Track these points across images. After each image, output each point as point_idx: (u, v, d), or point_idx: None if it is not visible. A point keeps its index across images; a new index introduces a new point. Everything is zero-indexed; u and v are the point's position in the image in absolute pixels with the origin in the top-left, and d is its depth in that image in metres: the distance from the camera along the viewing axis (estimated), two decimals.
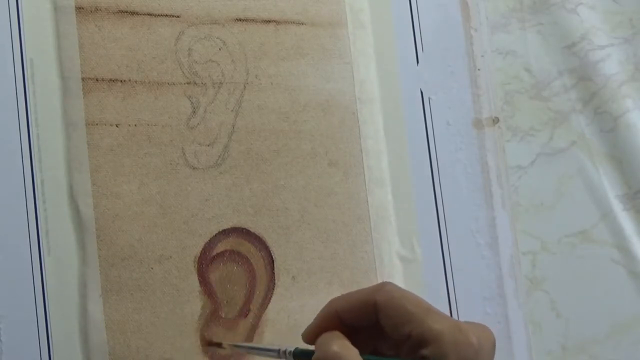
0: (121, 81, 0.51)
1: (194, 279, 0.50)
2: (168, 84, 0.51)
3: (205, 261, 0.51)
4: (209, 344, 0.50)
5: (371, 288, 0.41)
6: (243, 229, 0.52)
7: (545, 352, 0.58)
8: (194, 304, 0.50)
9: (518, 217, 0.58)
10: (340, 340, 0.39)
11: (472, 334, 0.38)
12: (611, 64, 0.61)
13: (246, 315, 0.51)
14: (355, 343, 0.39)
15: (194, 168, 0.51)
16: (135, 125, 0.50)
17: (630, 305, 0.59)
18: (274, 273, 0.52)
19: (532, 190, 0.59)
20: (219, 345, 0.49)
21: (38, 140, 0.49)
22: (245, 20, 0.53)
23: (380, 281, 0.54)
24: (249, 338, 0.51)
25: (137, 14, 0.51)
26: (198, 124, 0.52)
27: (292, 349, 0.41)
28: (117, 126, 0.50)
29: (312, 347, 0.40)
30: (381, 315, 0.39)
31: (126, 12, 0.51)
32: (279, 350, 0.42)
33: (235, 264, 0.51)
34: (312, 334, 0.41)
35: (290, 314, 0.52)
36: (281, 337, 0.51)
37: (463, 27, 0.58)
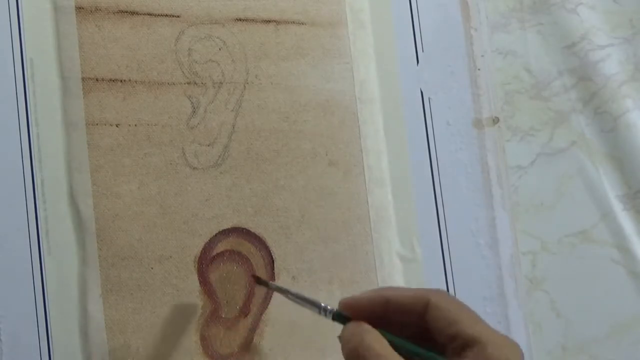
0: (121, 81, 0.51)
1: (194, 279, 0.50)
2: (168, 84, 0.51)
3: (205, 261, 0.51)
4: (257, 281, 0.50)
5: (426, 288, 0.42)
6: (243, 229, 0.52)
7: (545, 352, 0.58)
8: (194, 304, 0.50)
9: (518, 217, 0.58)
10: (373, 332, 0.40)
11: (521, 353, 0.39)
12: (611, 64, 0.61)
13: (246, 315, 0.51)
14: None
15: (194, 168, 0.51)
16: (135, 125, 0.51)
17: (630, 305, 0.59)
18: (274, 273, 0.52)
19: (532, 190, 0.59)
20: (266, 284, 0.49)
21: (38, 140, 0.49)
22: (245, 20, 0.53)
23: (380, 281, 0.54)
24: (249, 338, 0.51)
25: (137, 14, 0.51)
26: (198, 124, 0.52)
27: (334, 310, 0.42)
28: (117, 126, 0.50)
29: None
30: (431, 314, 0.40)
31: (126, 12, 0.51)
32: (321, 306, 0.43)
33: (235, 264, 0.51)
34: (354, 305, 0.41)
35: (290, 314, 0.52)
36: (281, 337, 0.51)
37: (463, 27, 0.58)
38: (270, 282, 0.50)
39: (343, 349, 0.40)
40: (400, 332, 0.40)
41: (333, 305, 0.42)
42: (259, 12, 0.54)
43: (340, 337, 0.41)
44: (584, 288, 0.59)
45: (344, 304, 0.42)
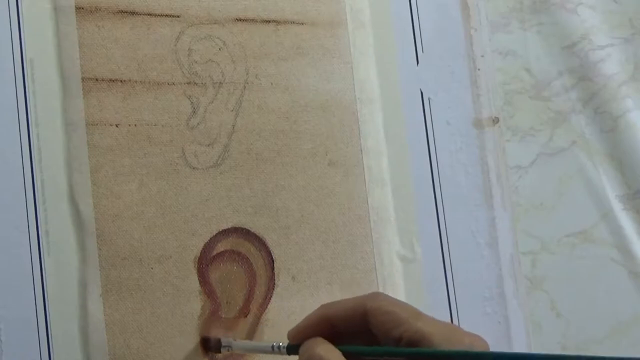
0: (121, 81, 0.51)
1: (194, 279, 0.50)
2: (168, 84, 0.51)
3: (205, 261, 0.51)
4: (205, 346, 0.50)
5: (362, 296, 0.42)
6: (243, 229, 0.52)
7: (545, 352, 0.58)
8: (194, 304, 0.50)
9: (518, 217, 0.58)
10: (324, 344, 0.40)
11: (465, 335, 0.38)
12: (611, 64, 0.61)
13: (246, 315, 0.51)
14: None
15: (194, 168, 0.51)
16: (135, 125, 0.50)
17: (630, 305, 0.59)
18: (274, 273, 0.52)
19: (532, 190, 0.59)
20: (217, 349, 0.50)
21: (38, 140, 0.49)
22: (245, 20, 0.53)
23: (380, 281, 0.54)
24: (249, 338, 0.51)
25: (137, 14, 0.51)
26: (198, 124, 0.52)
27: (285, 345, 0.43)
28: (117, 126, 0.50)
29: None
30: (372, 321, 0.40)
31: (126, 12, 0.51)
32: (272, 345, 0.44)
33: (235, 264, 0.51)
34: (300, 334, 0.42)
35: (290, 314, 0.52)
36: (281, 337, 0.51)
37: (463, 27, 0.58)
38: (222, 340, 0.50)
39: None
40: (359, 343, 0.41)
41: None
42: (259, 12, 0.54)
43: None
44: (584, 288, 0.59)
45: (292, 335, 0.43)
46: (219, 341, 0.49)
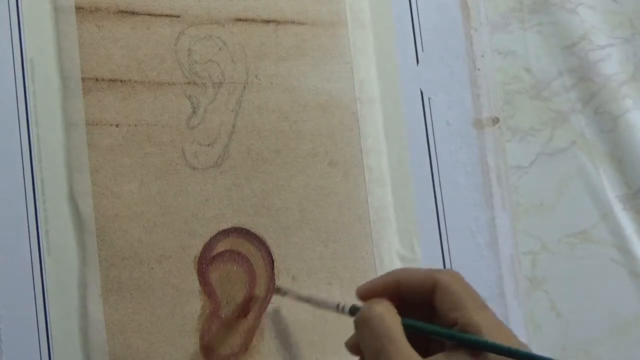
0: (121, 81, 0.51)
1: (194, 279, 0.50)
2: (168, 84, 0.51)
3: (205, 261, 0.51)
4: (277, 291, 0.50)
5: (437, 269, 0.42)
6: (243, 229, 0.52)
7: (545, 352, 0.57)
8: (194, 304, 0.50)
9: (518, 217, 0.58)
10: (387, 305, 0.40)
11: (515, 338, 0.38)
12: (611, 64, 0.61)
13: (246, 315, 0.51)
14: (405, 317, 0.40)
15: (194, 168, 0.51)
16: (135, 125, 0.51)
17: (630, 305, 0.59)
18: (274, 273, 0.52)
19: (532, 190, 0.59)
20: (285, 293, 0.50)
21: (38, 140, 0.49)
22: (245, 20, 0.53)
23: None
24: (249, 338, 0.51)
25: (137, 14, 0.51)
26: (198, 124, 0.52)
27: (350, 306, 0.43)
28: (117, 126, 0.50)
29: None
30: (437, 296, 0.40)
31: (126, 12, 0.51)
32: (337, 305, 0.43)
33: (235, 264, 0.51)
34: (367, 292, 0.42)
35: (290, 314, 0.52)
36: (281, 337, 0.51)
37: (463, 27, 0.58)
38: (290, 289, 0.50)
39: (357, 321, 0.40)
40: (413, 313, 0.41)
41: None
42: (259, 12, 0.54)
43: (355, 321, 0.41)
44: (584, 288, 0.59)
45: (360, 293, 0.42)
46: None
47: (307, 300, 0.48)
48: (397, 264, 0.55)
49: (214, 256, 0.51)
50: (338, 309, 0.43)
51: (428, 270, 0.42)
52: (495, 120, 0.58)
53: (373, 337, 0.39)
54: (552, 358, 0.37)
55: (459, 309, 0.39)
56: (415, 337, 0.39)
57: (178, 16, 0.52)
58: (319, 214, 0.53)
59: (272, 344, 0.51)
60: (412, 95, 0.57)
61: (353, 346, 0.42)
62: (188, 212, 0.51)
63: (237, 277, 0.51)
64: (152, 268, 0.50)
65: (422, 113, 0.57)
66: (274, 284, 0.52)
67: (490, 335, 0.38)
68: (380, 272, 0.54)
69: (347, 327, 0.42)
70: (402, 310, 0.40)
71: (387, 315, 0.39)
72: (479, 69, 0.58)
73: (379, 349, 0.38)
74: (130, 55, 0.51)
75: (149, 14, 0.52)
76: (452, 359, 0.38)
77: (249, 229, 0.52)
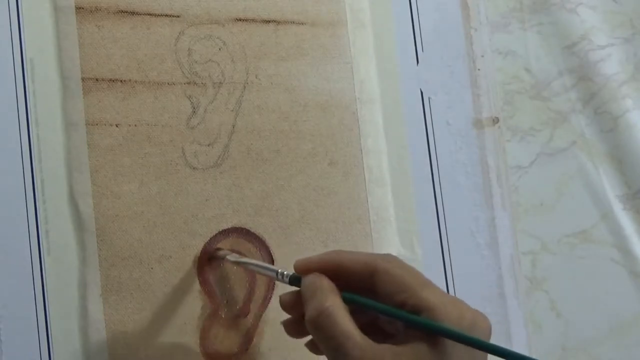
0: (121, 81, 0.51)
1: (194, 279, 0.50)
2: (168, 84, 0.51)
3: (205, 261, 0.51)
4: (212, 255, 0.50)
5: (376, 254, 0.41)
6: (243, 229, 0.52)
7: (545, 352, 0.58)
8: (194, 304, 0.50)
9: (518, 217, 0.58)
10: (327, 280, 0.40)
11: (469, 311, 0.38)
12: (611, 64, 0.61)
13: (246, 315, 0.51)
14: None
15: (194, 168, 0.51)
16: (135, 125, 0.51)
17: (630, 305, 0.59)
18: None
19: (532, 190, 0.59)
20: (218, 252, 0.50)
21: (38, 140, 0.49)
22: (245, 20, 0.53)
23: None
24: (249, 338, 0.51)
25: (137, 14, 0.51)
26: (198, 124, 0.52)
27: (290, 274, 0.43)
28: (117, 126, 0.50)
29: None
30: (378, 281, 0.39)
31: (126, 12, 0.51)
32: (277, 271, 0.44)
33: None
34: (307, 267, 0.42)
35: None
36: (281, 337, 0.51)
37: (463, 27, 0.58)
38: (226, 255, 0.50)
39: (306, 304, 0.40)
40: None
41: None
42: (259, 12, 0.54)
43: (302, 293, 0.41)
44: (584, 288, 0.59)
45: (299, 266, 0.42)
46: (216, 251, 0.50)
47: (248, 264, 0.48)
48: None
49: (214, 256, 0.51)
50: (277, 275, 0.44)
51: (366, 254, 0.41)
52: (495, 120, 0.58)
53: (316, 301, 0.39)
54: (503, 347, 0.37)
55: (404, 290, 0.38)
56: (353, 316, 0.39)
57: (178, 16, 0.52)
58: (319, 214, 0.53)
59: (272, 344, 0.51)
60: (412, 95, 0.57)
61: (288, 303, 0.43)
62: (188, 212, 0.51)
63: (237, 277, 0.51)
64: (152, 268, 0.50)
65: (422, 113, 0.57)
66: (274, 284, 0.52)
67: (444, 310, 0.37)
68: None
69: None
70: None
71: (329, 286, 0.39)
72: (479, 69, 0.58)
73: (322, 312, 0.39)
74: (130, 55, 0.51)
75: (149, 14, 0.52)
76: (409, 347, 0.37)
77: (249, 229, 0.52)
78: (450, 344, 0.37)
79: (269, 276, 0.46)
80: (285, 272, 0.43)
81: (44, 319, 0.48)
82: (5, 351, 0.47)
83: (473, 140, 0.57)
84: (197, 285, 0.50)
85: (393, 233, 0.55)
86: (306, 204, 0.53)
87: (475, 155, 0.57)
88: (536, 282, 0.58)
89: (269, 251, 0.52)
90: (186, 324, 0.50)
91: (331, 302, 0.39)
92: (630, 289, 0.59)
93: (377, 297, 0.40)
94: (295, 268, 0.43)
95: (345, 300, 0.40)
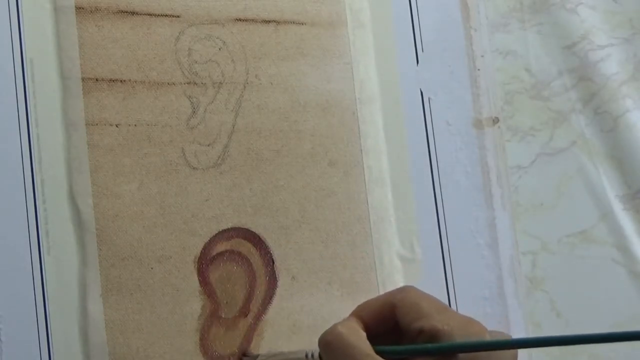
0: (121, 81, 0.51)
1: (194, 279, 0.50)
2: (168, 84, 0.51)
3: (205, 261, 0.51)
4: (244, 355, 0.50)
5: (392, 291, 0.42)
6: (243, 229, 0.52)
7: (545, 352, 0.58)
8: (194, 304, 0.50)
9: (518, 217, 0.58)
10: (348, 322, 0.40)
11: (486, 331, 0.38)
12: (611, 64, 0.61)
13: (246, 315, 0.51)
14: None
15: (194, 168, 0.51)
16: (135, 125, 0.51)
17: (630, 305, 0.59)
18: (274, 273, 0.52)
19: (532, 190, 0.59)
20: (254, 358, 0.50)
21: (38, 140, 0.49)
22: (245, 20, 0.53)
23: (380, 281, 0.54)
24: (249, 338, 0.51)
25: (137, 14, 0.51)
26: (198, 124, 0.52)
27: (318, 351, 0.43)
28: (117, 126, 0.50)
29: None
30: (398, 314, 0.40)
31: (126, 12, 0.51)
32: (306, 354, 0.44)
33: (235, 264, 0.51)
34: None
35: (290, 314, 0.52)
36: (281, 337, 0.51)
37: (463, 27, 0.58)
38: (258, 354, 0.50)
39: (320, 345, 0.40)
40: (392, 341, 0.40)
41: None
42: (259, 12, 0.54)
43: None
44: (584, 288, 0.59)
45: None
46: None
47: (277, 356, 0.49)
48: (397, 264, 0.55)
49: (214, 256, 0.51)
50: (307, 357, 0.44)
51: (384, 295, 0.42)
52: (495, 120, 0.58)
53: (337, 353, 0.39)
54: (514, 338, 0.37)
55: (421, 317, 0.39)
56: None
57: (178, 16, 0.52)
58: (319, 214, 0.53)
59: (272, 344, 0.51)
60: (412, 95, 0.57)
61: None
62: (188, 212, 0.51)
63: (237, 277, 0.51)
64: (152, 268, 0.50)
65: (422, 113, 0.57)
66: (274, 284, 0.52)
67: (461, 331, 0.38)
68: (380, 272, 0.54)
69: None
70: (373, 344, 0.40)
71: (348, 330, 0.40)
72: (479, 69, 0.58)
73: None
74: (130, 55, 0.51)
75: (149, 14, 0.52)
76: None
77: (249, 229, 0.52)
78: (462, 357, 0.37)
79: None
80: (313, 352, 0.43)
81: (44, 319, 0.48)
82: (5, 351, 0.47)
83: (473, 140, 0.57)
84: (197, 285, 0.50)
85: (393, 233, 0.55)
86: (306, 204, 0.53)
87: (475, 155, 0.57)
88: (536, 282, 0.58)
89: (269, 251, 0.52)
90: (186, 324, 0.50)
91: (344, 326, 0.40)
92: (630, 289, 0.59)
93: (400, 330, 0.40)
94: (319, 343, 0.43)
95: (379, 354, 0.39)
